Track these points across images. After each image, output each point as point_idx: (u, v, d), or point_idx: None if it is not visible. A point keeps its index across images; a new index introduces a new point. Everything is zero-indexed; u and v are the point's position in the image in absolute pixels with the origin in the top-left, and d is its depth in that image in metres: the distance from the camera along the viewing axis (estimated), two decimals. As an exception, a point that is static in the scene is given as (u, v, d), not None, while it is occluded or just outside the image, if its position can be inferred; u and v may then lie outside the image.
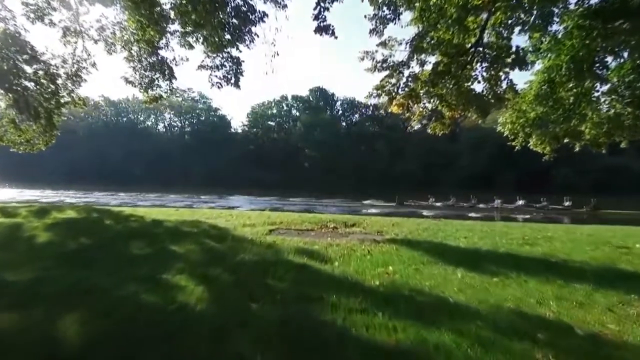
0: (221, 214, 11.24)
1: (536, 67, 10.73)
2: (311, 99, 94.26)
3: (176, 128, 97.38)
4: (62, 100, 17.53)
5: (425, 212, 27.41)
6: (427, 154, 73.54)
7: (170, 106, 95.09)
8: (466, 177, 64.96)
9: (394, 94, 10.35)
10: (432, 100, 10.28)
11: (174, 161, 78.29)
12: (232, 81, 12.14)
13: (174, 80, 13.89)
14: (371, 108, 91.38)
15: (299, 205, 32.01)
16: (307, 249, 6.13)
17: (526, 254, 6.04)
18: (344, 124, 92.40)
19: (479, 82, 10.00)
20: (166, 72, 13.56)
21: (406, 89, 10.22)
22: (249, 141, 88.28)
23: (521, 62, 8.75)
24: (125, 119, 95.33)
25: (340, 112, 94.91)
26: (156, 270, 4.65)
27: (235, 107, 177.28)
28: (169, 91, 14.38)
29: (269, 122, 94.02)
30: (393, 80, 10.28)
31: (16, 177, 57.33)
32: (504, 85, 9.91)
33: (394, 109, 10.04)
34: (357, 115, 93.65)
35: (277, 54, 10.84)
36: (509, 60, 8.83)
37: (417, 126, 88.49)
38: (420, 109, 10.40)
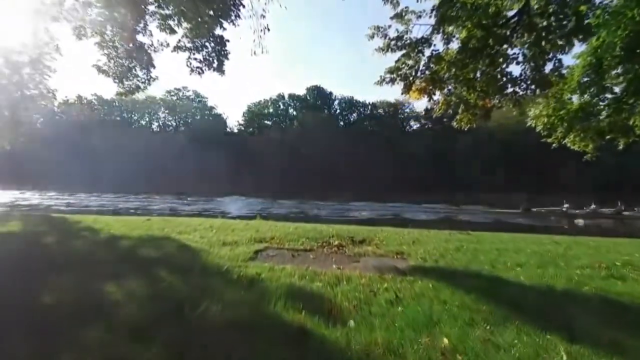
0: (201, 224, 9.25)
1: (576, 49, 8.80)
2: (308, 97, 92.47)
3: (170, 127, 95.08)
4: (27, 93, 15.60)
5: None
6: (427, 153, 71.87)
7: (165, 105, 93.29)
8: (466, 177, 63.37)
9: (411, 78, 8.41)
10: (458, 86, 8.34)
11: (168, 161, 76.03)
12: (215, 65, 10.19)
13: (152, 69, 11.99)
14: (369, 107, 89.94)
15: (295, 209, 29.99)
16: (305, 291, 4.18)
17: (628, 298, 4.08)
18: (341, 123, 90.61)
19: (517, 62, 8.09)
20: (144, 60, 11.65)
21: (427, 73, 8.30)
22: (244, 141, 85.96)
23: (585, 31, 6.75)
24: (118, 118, 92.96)
25: (338, 111, 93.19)
26: (44, 349, 2.70)
27: (232, 106, 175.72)
28: (146, 81, 12.38)
29: (266, 121, 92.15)
30: (411, 62, 8.33)
31: (5, 177, 55.20)
32: (548, 67, 8.00)
33: (413, 95, 8.10)
34: (354, 115, 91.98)
35: (268, 29, 8.86)
36: (566, 30, 6.82)
37: (416, 125, 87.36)
38: (445, 97, 8.44)
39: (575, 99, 10.28)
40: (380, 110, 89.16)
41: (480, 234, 8.92)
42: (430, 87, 8.06)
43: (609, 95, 9.79)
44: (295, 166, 73.05)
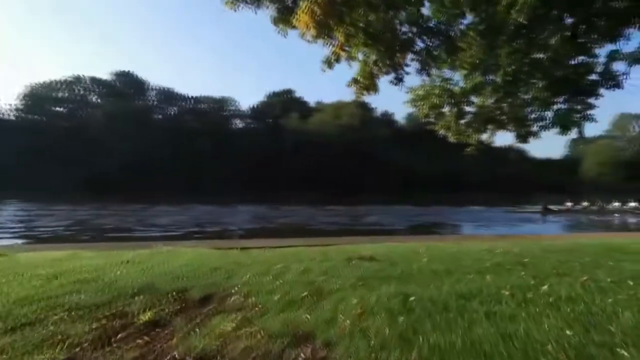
0: None
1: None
2: (117, 84, 78.68)
3: None
4: None
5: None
6: (253, 153, 69.66)
7: None
8: (295, 177, 63.79)
9: (289, 1, 4.90)
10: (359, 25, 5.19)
11: None
12: None
13: None
14: (192, 101, 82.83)
15: (87, 217, 22.36)
16: None
17: None
18: (159, 116, 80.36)
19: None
20: None
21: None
22: (25, 130, 65.76)
23: None
24: None
25: (155, 102, 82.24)
26: None
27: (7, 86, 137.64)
28: None
29: (56, 108, 73.42)
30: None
31: None
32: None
33: (300, 24, 4.52)
34: (175, 108, 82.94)
35: None
36: None
37: (241, 124, 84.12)
38: (347, 36, 5.13)
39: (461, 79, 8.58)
40: (204, 106, 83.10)
41: (386, 253, 5.97)
42: (325, 15, 4.66)
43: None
44: (98, 162, 59.79)
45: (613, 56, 7.86)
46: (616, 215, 29.40)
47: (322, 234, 15.67)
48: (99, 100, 76.82)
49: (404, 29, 5.87)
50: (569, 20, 7.39)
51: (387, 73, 5.55)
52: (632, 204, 31.57)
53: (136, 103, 76.78)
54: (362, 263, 5.11)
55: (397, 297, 3.53)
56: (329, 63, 5.29)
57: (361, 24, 5.21)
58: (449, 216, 28.89)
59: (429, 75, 6.32)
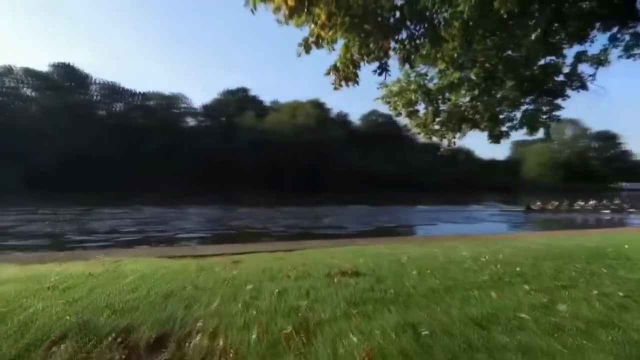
0: None
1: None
2: (55, 76, 72.56)
3: None
4: None
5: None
6: (207, 152, 67.08)
7: None
8: (250, 177, 62.15)
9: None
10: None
11: None
12: None
13: None
14: (139, 97, 78.46)
15: (20, 220, 19.91)
16: None
17: None
18: (102, 112, 75.13)
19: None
20: None
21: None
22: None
23: None
24: None
25: (98, 97, 76.83)
26: None
27: None
28: None
29: (-19, 100, 66.27)
30: None
31: None
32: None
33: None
34: (121, 104, 78.02)
35: None
36: None
37: (192, 122, 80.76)
38: (329, 14, 4.39)
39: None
40: (153, 102, 79.07)
41: (367, 264, 5.28)
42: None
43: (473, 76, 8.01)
44: (31, 160, 54.34)
45: (580, 57, 7.80)
46: (585, 212, 32.69)
47: (284, 238, 14.87)
48: (33, 94, 70.33)
49: (386, 14, 5.27)
50: (543, 19, 7.18)
51: (374, 59, 4.88)
52: (592, 202, 35.01)
53: (76, 97, 71.18)
54: (346, 280, 4.39)
55: (404, 329, 2.85)
56: (306, 46, 4.53)
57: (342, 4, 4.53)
58: (433, 216, 28.68)
59: (412, 66, 5.73)
